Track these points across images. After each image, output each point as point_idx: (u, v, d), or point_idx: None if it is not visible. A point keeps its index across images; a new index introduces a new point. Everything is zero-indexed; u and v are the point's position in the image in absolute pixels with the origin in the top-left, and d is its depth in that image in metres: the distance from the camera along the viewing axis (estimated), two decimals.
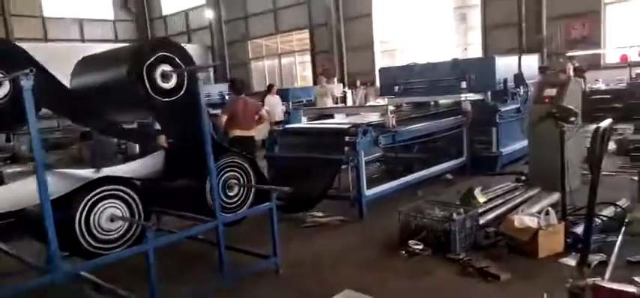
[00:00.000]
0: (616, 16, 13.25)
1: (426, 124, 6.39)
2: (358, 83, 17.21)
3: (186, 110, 3.79)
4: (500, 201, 5.36)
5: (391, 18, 19.98)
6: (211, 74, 24.71)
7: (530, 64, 8.44)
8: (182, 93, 3.70)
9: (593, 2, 13.12)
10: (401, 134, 5.82)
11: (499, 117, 7.17)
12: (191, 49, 23.67)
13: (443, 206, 4.57)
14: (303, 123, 6.60)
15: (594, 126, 3.34)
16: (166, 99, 3.63)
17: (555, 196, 5.36)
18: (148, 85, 3.50)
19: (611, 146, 8.43)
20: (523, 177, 6.49)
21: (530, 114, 6.09)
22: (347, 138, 5.33)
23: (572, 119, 4.37)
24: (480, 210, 4.95)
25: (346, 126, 5.47)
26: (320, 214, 5.65)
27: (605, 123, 3.29)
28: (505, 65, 7.56)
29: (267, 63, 23.75)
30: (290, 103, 13.58)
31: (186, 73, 3.71)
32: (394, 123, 5.65)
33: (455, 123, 6.97)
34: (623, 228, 4.27)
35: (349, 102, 15.79)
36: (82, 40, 25.05)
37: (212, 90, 16.41)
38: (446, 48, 21.48)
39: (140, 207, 3.61)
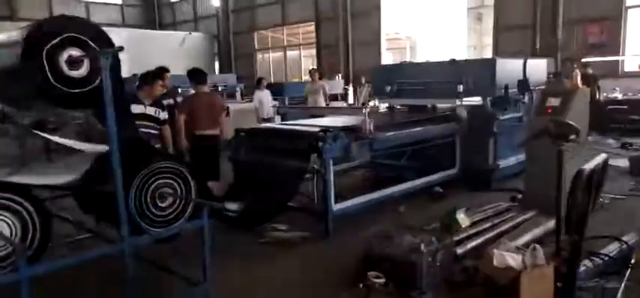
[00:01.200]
0: (638, 21, 12.32)
1: (412, 131, 5.68)
2: (363, 80, 16.47)
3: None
4: (488, 224, 4.66)
5: (401, 13, 19.21)
6: (216, 64, 24.26)
7: (539, 69, 7.66)
8: (98, 82, 3.09)
9: (614, 6, 12.21)
10: (379, 142, 5.13)
11: (497, 126, 6.43)
12: (196, 36, 23.42)
13: (415, 232, 3.89)
14: (276, 123, 5.93)
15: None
16: (76, 91, 3.02)
17: (551, 223, 4.64)
18: (49, 73, 2.89)
19: (624, 163, 7.65)
20: (519, 196, 5.78)
21: (530, 127, 5.36)
22: (314, 144, 4.66)
23: (573, 137, 3.64)
24: (461, 236, 4.28)
25: (315, 130, 4.81)
26: (283, 227, 5.02)
27: (596, 161, 2.53)
28: (508, 69, 6.80)
29: (273, 55, 23.14)
30: (286, 99, 12.93)
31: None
32: (371, 128, 4.97)
33: (446, 130, 6.26)
34: (628, 271, 3.57)
35: (351, 101, 15.08)
36: None
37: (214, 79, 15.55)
38: (458, 48, 20.64)
39: (36, 221, 3.01)
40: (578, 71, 5.69)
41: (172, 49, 20.68)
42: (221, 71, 22.82)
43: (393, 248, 3.65)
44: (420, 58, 19.47)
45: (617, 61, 12.34)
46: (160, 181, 3.57)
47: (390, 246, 3.69)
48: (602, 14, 12.32)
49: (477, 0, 21.46)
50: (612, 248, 3.89)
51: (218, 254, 4.36)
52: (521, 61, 7.01)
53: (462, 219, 4.39)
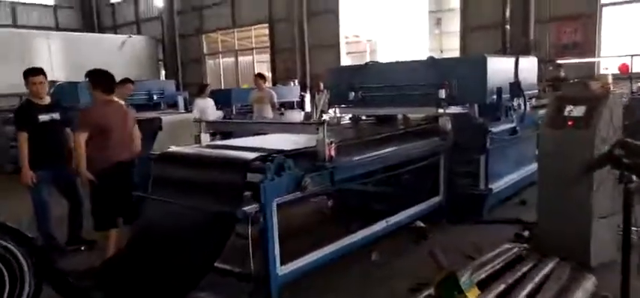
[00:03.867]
0: (613, 20, 11.49)
1: (387, 152, 4.21)
2: (322, 86, 14.98)
3: None
4: (501, 287, 3.26)
5: (361, 15, 18.00)
6: (162, 70, 22.20)
7: (531, 69, 6.41)
8: None
9: (589, 4, 11.34)
10: (342, 169, 3.64)
11: (490, 140, 5.09)
12: (138, 40, 21.33)
13: None
14: (203, 145, 4.30)
15: None
16: None
17: (589, 284, 3.31)
18: None
19: None
20: (525, 232, 4.45)
21: (543, 143, 4.04)
22: (249, 177, 3.12)
23: None
24: None
25: (251, 157, 3.27)
26: None
27: None
28: (499, 69, 5.50)
29: (224, 60, 21.34)
30: (233, 108, 11.26)
31: None
32: (332, 153, 3.48)
33: (430, 148, 4.85)
34: None
35: (308, 109, 13.62)
36: (15, 25, 21.94)
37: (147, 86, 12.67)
38: (420, 52, 19.60)
39: None
40: (609, 73, 4.62)
41: (111, 54, 18.58)
42: (167, 78, 20.81)
43: None
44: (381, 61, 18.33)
45: (593, 62, 11.46)
46: None
47: None
48: (575, 12, 11.46)
49: (435, 4, 20.57)
50: None
51: None
52: (511, 60, 5.75)
53: (468, 287, 2.95)
